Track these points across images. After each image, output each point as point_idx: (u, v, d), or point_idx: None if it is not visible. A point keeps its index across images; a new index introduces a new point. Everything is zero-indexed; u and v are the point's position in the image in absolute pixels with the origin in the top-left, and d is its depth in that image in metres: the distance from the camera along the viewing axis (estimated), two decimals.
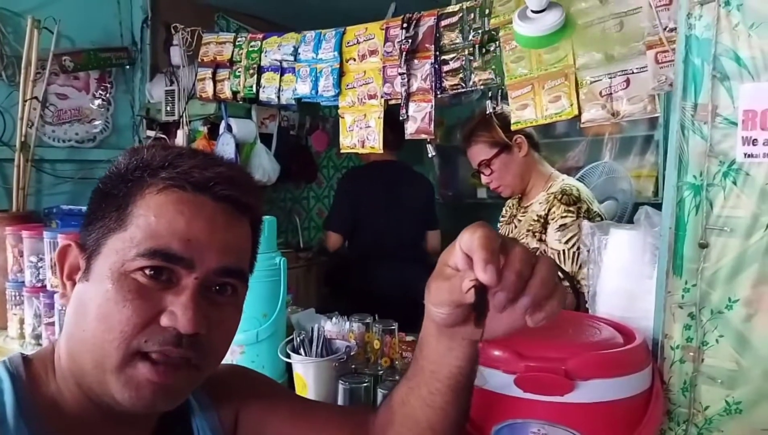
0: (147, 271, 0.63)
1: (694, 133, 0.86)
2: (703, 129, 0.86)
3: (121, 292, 0.62)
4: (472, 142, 2.04)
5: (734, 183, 0.84)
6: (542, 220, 1.86)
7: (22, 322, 2.00)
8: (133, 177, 0.67)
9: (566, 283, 1.73)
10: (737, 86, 0.84)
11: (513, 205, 2.12)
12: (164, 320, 0.63)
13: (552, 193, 1.90)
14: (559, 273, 1.34)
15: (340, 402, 1.43)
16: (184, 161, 0.68)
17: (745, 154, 0.83)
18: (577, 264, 1.74)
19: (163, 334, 0.63)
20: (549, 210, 1.85)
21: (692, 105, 0.86)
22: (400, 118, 1.98)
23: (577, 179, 2.98)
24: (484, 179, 2.03)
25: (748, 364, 0.85)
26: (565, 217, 1.81)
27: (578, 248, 1.74)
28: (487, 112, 1.91)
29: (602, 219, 1.81)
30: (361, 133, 2.08)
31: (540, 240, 1.85)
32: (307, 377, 1.46)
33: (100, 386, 0.64)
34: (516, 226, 2.02)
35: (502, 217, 2.18)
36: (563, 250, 1.78)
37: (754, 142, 0.83)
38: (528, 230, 1.91)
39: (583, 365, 0.80)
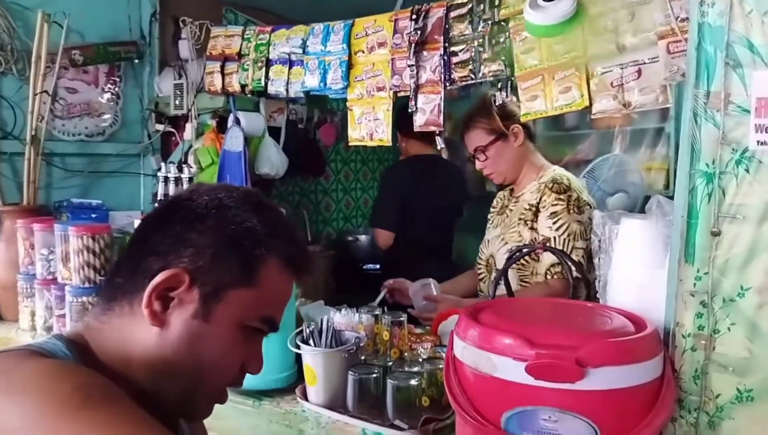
0: (254, 329, 0.77)
1: (706, 120, 0.86)
2: (716, 117, 0.85)
3: (236, 343, 0.75)
4: (470, 127, 2.05)
5: (747, 170, 0.84)
6: (533, 209, 1.91)
7: (33, 314, 2.02)
8: (261, 237, 0.75)
9: (558, 270, 1.77)
10: (750, 73, 0.83)
11: (504, 197, 2.16)
12: (249, 368, 0.79)
13: (543, 183, 1.93)
14: (569, 262, 1.34)
15: (349, 392, 1.43)
16: (297, 237, 0.81)
17: (758, 142, 0.83)
18: (568, 250, 1.78)
19: (240, 373, 0.79)
20: (540, 198, 1.90)
21: (705, 93, 0.86)
22: (409, 111, 1.98)
23: (587, 172, 2.99)
24: (478, 165, 2.05)
25: (759, 352, 0.84)
26: (556, 205, 1.85)
27: (569, 235, 1.80)
28: (496, 103, 1.91)
29: (591, 208, 1.87)
30: (369, 125, 2.08)
31: (531, 228, 1.90)
32: (317, 368, 1.47)
33: (181, 398, 0.75)
34: (507, 216, 2.05)
35: (493, 207, 2.21)
36: (554, 237, 1.82)
37: (767, 129, 0.83)
38: (520, 219, 1.95)
39: (594, 352, 0.80)
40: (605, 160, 3.01)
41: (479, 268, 2.11)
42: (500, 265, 1.94)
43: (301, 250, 0.80)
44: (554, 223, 1.84)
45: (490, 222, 2.17)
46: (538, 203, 1.90)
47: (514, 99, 1.84)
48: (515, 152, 2.02)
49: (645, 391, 0.85)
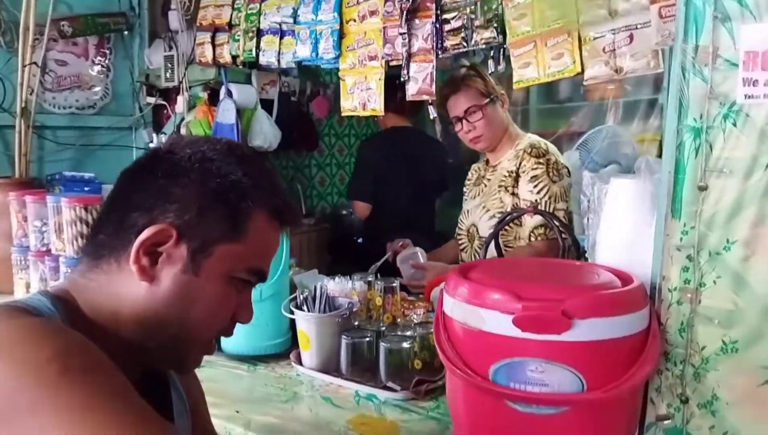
0: (244, 281, 0.77)
1: (694, 75, 0.86)
2: (704, 71, 0.85)
3: (227, 296, 0.75)
4: (462, 87, 2.03)
5: (734, 124, 0.84)
6: (514, 175, 1.95)
7: (28, 286, 2.02)
8: (247, 190, 0.74)
9: (542, 231, 1.82)
10: (738, 27, 0.83)
11: (480, 168, 2.18)
12: (239, 318, 0.78)
13: (521, 149, 1.97)
14: (558, 224, 1.35)
15: (343, 356, 1.45)
16: (282, 189, 0.81)
17: (745, 96, 0.83)
18: (549, 211, 1.82)
19: (231, 323, 0.79)
20: (519, 164, 1.94)
21: (693, 47, 0.86)
22: (402, 80, 1.97)
23: (581, 144, 2.99)
24: (465, 126, 2.02)
25: (745, 304, 0.86)
26: (536, 168, 1.90)
27: (550, 197, 1.86)
28: (490, 72, 1.90)
29: (568, 171, 1.95)
30: (361, 95, 2.07)
31: (513, 194, 1.94)
32: (310, 332, 1.48)
33: (171, 350, 0.76)
34: (486, 185, 2.08)
35: (468, 180, 2.23)
36: (536, 200, 1.87)
37: (755, 83, 0.83)
38: (500, 186, 1.98)
39: (580, 304, 0.81)
40: (598, 132, 2.99)
41: (460, 239, 2.15)
42: (483, 232, 1.99)
43: (286, 201, 0.80)
44: (535, 186, 1.88)
45: (466, 194, 2.20)
46: (518, 169, 1.94)
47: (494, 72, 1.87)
48: (503, 117, 2.05)
49: (631, 343, 0.86)
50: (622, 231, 1.04)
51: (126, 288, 0.72)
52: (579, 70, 1.64)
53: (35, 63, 2.22)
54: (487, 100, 1.99)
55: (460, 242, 2.14)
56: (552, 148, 2.00)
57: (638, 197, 1.02)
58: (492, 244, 1.70)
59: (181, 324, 0.74)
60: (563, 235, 1.25)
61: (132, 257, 0.70)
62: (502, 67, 1.87)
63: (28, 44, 2.19)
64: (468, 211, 2.12)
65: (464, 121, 2.01)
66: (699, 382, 0.90)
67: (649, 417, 0.95)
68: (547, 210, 1.82)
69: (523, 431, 0.86)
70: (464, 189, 2.23)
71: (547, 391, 0.83)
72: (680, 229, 0.88)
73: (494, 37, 1.79)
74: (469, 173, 2.24)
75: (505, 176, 1.97)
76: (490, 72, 1.91)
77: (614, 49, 1.59)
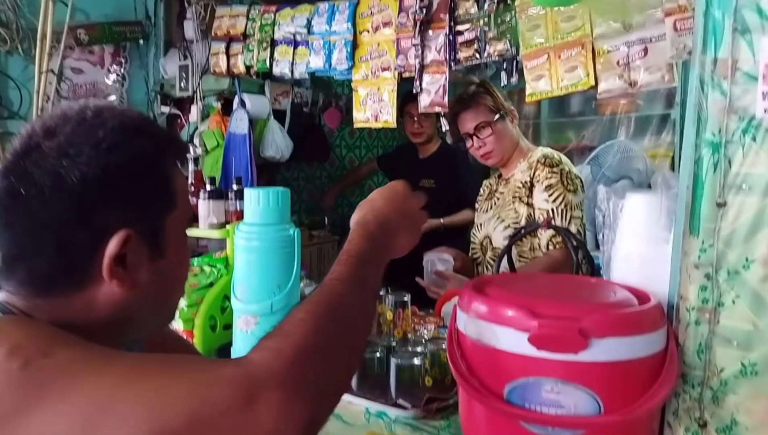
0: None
1: (713, 88, 0.84)
2: (723, 84, 0.84)
3: (186, 256, 0.81)
4: (473, 104, 2.00)
5: (753, 139, 0.82)
6: (528, 185, 1.95)
7: None
8: (159, 157, 0.74)
9: (559, 240, 1.82)
10: (758, 39, 0.82)
11: (492, 183, 2.18)
12: None
13: (534, 160, 1.97)
14: (572, 239, 1.32)
15: None
16: (170, 137, 0.81)
17: (765, 110, 0.81)
18: (566, 220, 1.84)
19: None
20: (534, 174, 1.93)
21: (712, 60, 0.84)
22: (414, 92, 1.97)
23: (592, 158, 2.97)
24: (475, 143, 2.01)
25: (765, 325, 0.83)
26: (550, 177, 1.89)
27: (566, 206, 1.85)
28: (503, 85, 1.90)
29: (582, 182, 1.94)
30: (374, 106, 2.07)
31: (527, 204, 1.94)
32: None
33: (154, 320, 0.80)
34: (498, 199, 2.08)
35: (480, 195, 2.22)
36: (552, 209, 1.86)
37: None
38: (514, 197, 1.98)
39: (597, 323, 0.79)
40: (610, 147, 2.98)
41: (474, 253, 2.13)
42: (497, 244, 1.99)
43: (171, 142, 0.79)
44: (550, 195, 1.88)
45: (478, 209, 2.20)
46: (532, 179, 1.94)
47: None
48: (513, 132, 2.04)
49: (648, 364, 0.84)
50: (638, 247, 1.02)
51: (98, 300, 0.69)
52: (593, 83, 1.63)
53: (52, 70, 2.24)
54: (497, 116, 1.97)
55: (474, 256, 2.13)
56: (565, 159, 1.99)
57: (655, 213, 1.00)
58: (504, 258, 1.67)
59: (165, 297, 0.78)
60: (576, 248, 1.22)
61: (106, 274, 0.68)
62: (515, 79, 1.86)
63: (45, 51, 2.21)
64: (481, 225, 2.11)
65: (474, 137, 2.00)
66: (717, 405, 0.88)
67: None
68: (564, 218, 1.83)
69: None
70: (476, 205, 2.22)
71: (563, 413, 0.81)
72: (698, 246, 0.86)
73: (507, 49, 1.79)
74: (481, 189, 2.24)
75: (519, 187, 1.96)
76: (502, 85, 1.90)
77: (628, 63, 1.58)
